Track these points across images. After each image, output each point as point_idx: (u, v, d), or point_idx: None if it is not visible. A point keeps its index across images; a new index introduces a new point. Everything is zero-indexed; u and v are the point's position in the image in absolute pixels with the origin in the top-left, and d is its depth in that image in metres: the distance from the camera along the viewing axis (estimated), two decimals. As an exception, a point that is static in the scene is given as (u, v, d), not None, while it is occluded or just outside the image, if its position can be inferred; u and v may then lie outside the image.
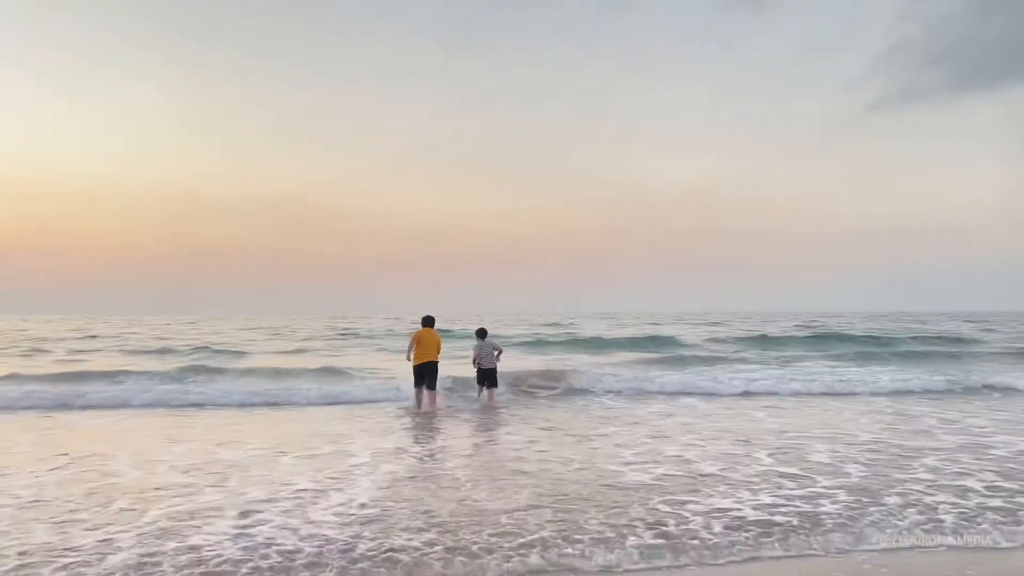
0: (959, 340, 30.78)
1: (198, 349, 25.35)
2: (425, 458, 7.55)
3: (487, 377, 11.96)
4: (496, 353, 12.10)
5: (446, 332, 29.07)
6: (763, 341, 30.81)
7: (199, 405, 11.96)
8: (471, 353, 12.34)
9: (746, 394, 13.53)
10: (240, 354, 23.57)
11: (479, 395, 12.09)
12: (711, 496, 5.66)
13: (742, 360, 21.20)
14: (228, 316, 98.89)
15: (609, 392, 13.67)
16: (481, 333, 12.50)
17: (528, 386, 13.87)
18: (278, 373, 16.19)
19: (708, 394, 13.49)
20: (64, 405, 11.69)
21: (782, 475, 6.43)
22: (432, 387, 11.33)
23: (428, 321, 11.59)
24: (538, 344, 29.48)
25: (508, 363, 13.41)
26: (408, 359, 11.41)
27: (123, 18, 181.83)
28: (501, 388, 12.50)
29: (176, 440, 8.49)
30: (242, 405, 11.99)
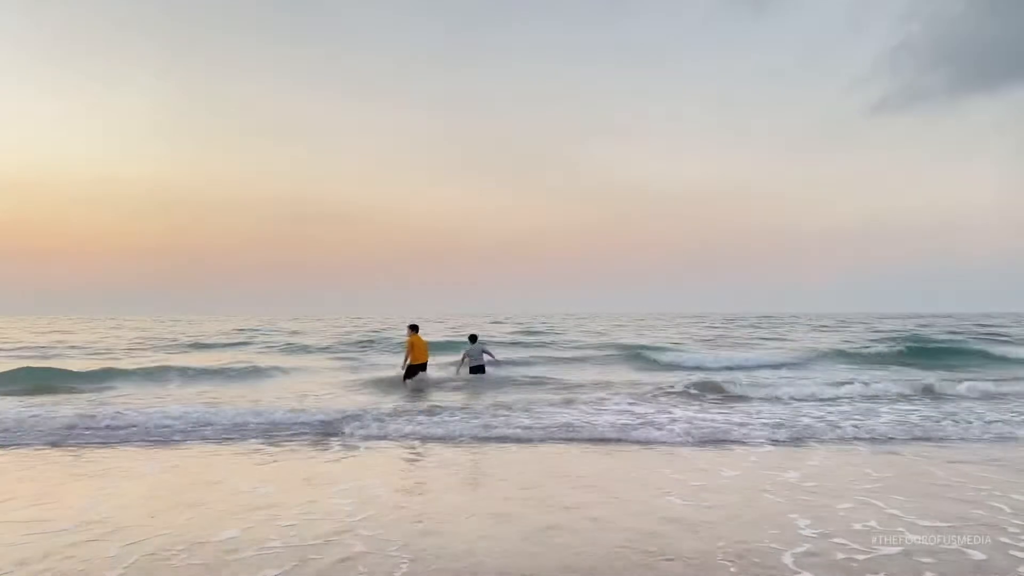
0: None
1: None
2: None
3: (476, 372, 14.34)
4: (483, 354, 14.58)
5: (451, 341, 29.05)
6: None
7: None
8: (462, 353, 14.88)
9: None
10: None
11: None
12: None
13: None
14: (232, 315, 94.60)
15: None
16: (472, 338, 14.84)
17: None
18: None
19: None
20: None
21: None
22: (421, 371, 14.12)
23: (416, 328, 14.03)
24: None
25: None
26: (403, 366, 14.09)
27: (123, 20, 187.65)
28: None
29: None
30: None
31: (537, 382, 14.94)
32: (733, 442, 8.19)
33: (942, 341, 29.02)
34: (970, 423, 9.41)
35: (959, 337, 32.99)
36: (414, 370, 13.95)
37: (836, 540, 4.47)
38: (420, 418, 9.37)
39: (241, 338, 36.23)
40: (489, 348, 15.38)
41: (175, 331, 45.50)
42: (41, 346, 29.48)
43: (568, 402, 11.18)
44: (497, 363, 15.17)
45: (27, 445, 8.15)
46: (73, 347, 29.06)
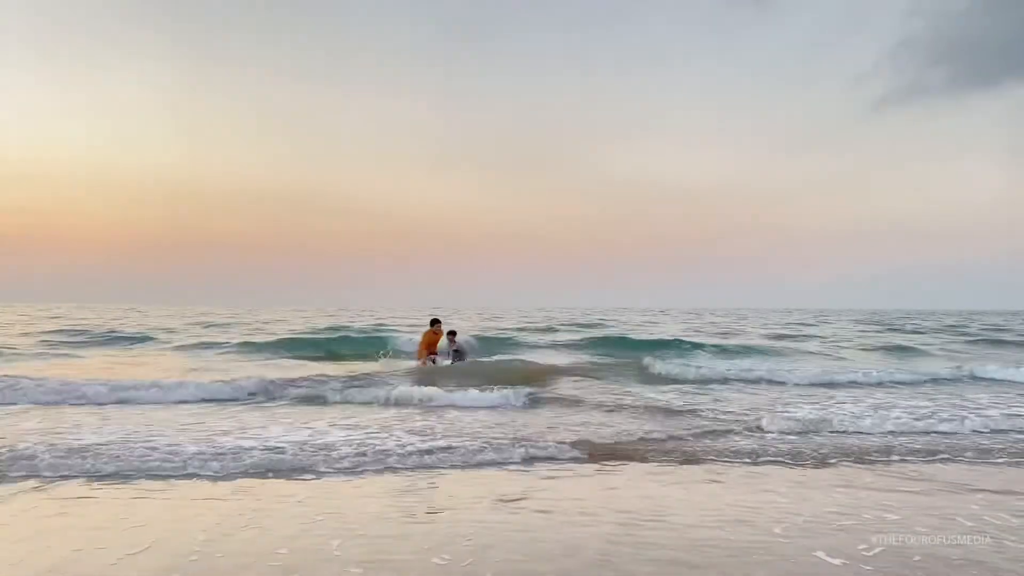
0: None
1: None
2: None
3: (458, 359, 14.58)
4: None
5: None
6: None
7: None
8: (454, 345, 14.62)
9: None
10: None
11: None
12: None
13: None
14: (225, 306, 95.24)
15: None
16: (452, 333, 14.90)
17: None
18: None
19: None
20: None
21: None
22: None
23: (436, 322, 14.17)
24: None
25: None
26: (422, 361, 13.72)
27: (124, 7, 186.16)
28: None
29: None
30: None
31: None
32: None
33: None
34: None
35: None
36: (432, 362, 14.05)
37: None
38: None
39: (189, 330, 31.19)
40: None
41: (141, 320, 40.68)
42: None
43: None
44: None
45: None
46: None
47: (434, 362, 13.86)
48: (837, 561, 3.72)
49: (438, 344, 14.20)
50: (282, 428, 7.64)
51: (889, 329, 40.02)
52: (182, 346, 21.40)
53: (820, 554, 3.83)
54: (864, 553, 3.85)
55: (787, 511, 4.70)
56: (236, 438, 6.94)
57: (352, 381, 11.34)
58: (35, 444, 6.35)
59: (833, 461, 6.45)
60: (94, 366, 15.14)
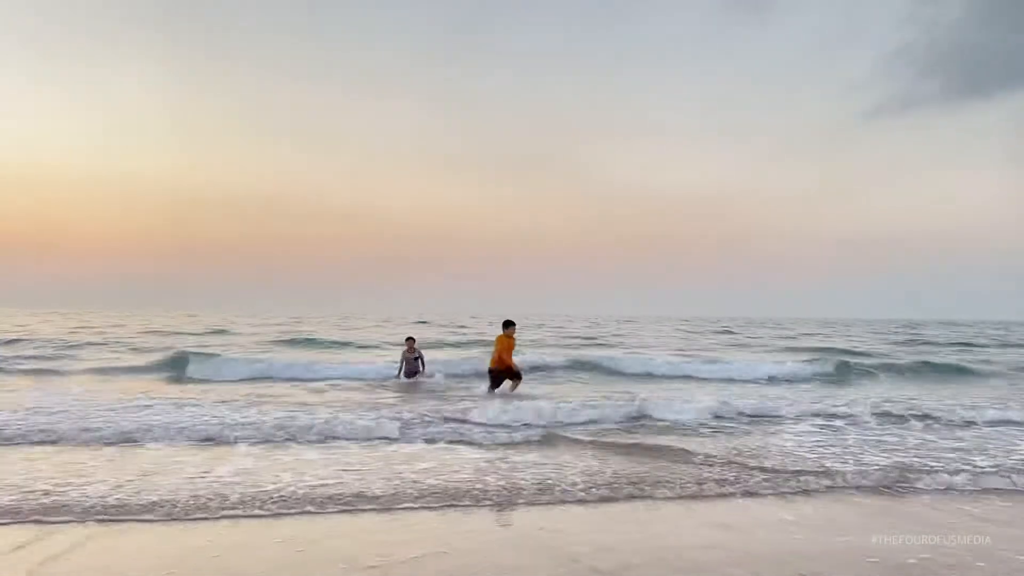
0: None
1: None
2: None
3: (411, 376, 13.63)
4: (417, 360, 13.88)
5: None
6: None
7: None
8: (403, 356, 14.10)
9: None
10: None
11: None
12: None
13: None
14: (227, 311, 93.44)
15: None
16: (410, 339, 13.96)
17: None
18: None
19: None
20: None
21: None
22: (510, 380, 11.84)
23: (507, 325, 11.86)
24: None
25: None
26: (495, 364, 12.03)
27: (124, 7, 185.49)
28: None
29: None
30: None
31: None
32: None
33: None
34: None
35: None
36: (496, 377, 11.81)
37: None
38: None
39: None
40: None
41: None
42: None
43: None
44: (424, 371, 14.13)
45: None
46: None
47: (518, 377, 11.76)
48: None
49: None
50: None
51: (924, 342, 35.82)
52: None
53: None
54: None
55: None
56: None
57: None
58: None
59: None
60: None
